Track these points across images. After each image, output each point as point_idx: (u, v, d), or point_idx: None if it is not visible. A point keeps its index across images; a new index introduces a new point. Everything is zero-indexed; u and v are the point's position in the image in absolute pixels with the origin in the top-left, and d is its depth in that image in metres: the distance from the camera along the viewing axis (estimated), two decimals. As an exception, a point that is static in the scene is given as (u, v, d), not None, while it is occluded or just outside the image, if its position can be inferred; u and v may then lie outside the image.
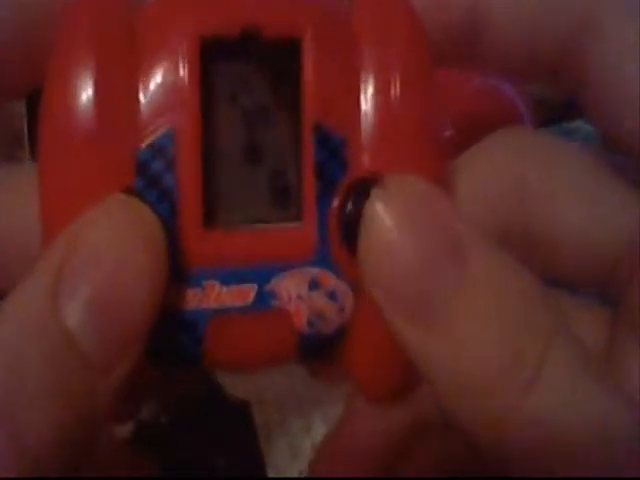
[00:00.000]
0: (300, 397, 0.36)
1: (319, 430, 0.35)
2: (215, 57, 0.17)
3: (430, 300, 0.16)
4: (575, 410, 0.16)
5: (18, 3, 0.18)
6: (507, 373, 0.16)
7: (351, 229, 0.17)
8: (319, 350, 0.19)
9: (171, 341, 0.18)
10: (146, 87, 0.17)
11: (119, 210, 0.16)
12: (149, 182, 0.17)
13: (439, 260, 0.16)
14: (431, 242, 0.16)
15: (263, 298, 0.18)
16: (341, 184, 0.18)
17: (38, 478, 0.14)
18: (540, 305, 0.17)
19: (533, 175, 0.20)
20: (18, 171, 0.20)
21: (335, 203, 0.18)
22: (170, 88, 0.17)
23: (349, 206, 0.17)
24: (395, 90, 0.18)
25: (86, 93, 0.16)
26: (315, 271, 0.18)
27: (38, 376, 0.15)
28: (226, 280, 0.17)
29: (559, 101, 0.37)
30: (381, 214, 0.17)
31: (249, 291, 0.18)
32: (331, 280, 0.18)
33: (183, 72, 0.17)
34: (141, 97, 0.17)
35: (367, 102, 0.18)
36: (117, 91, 0.17)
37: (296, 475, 0.34)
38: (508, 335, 0.16)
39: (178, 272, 0.17)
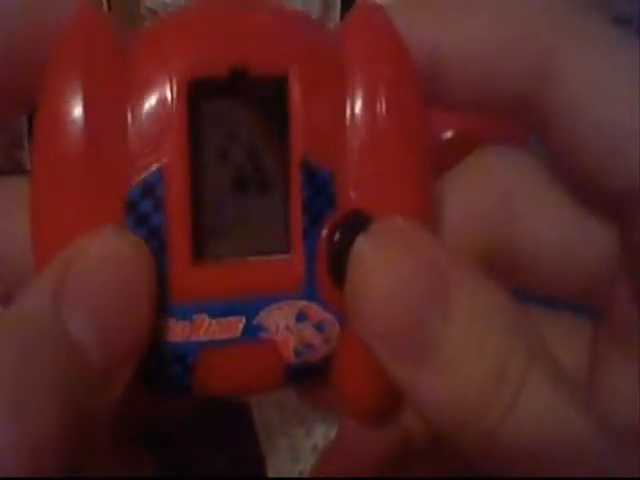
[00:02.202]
0: (300, 400, 0.36)
1: (319, 432, 0.35)
2: (203, 95, 0.17)
3: (416, 342, 0.17)
4: (548, 430, 0.16)
5: (9, 26, 0.17)
6: (490, 399, 0.16)
7: (338, 264, 0.17)
8: (306, 377, 0.19)
9: (161, 371, 0.18)
10: (135, 124, 0.17)
11: (111, 237, 0.17)
12: (139, 221, 0.17)
13: (425, 303, 0.17)
14: (416, 286, 0.17)
15: (251, 330, 0.18)
16: (329, 217, 0.18)
17: (38, 478, 0.15)
18: (519, 330, 0.17)
19: (517, 193, 0.21)
20: (18, 179, 0.20)
21: (322, 237, 0.18)
22: (159, 127, 0.17)
23: (336, 242, 0.18)
24: (382, 124, 0.18)
25: (76, 128, 0.16)
26: (302, 304, 0.18)
27: (42, 382, 0.15)
28: (215, 313, 0.18)
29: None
30: (368, 259, 0.17)
31: (237, 324, 0.18)
32: (318, 312, 0.18)
33: (172, 112, 0.17)
34: (130, 134, 0.17)
35: (354, 136, 0.18)
36: (106, 127, 0.17)
37: (296, 476, 0.34)
38: (491, 362, 0.17)
39: (168, 305, 0.17)
